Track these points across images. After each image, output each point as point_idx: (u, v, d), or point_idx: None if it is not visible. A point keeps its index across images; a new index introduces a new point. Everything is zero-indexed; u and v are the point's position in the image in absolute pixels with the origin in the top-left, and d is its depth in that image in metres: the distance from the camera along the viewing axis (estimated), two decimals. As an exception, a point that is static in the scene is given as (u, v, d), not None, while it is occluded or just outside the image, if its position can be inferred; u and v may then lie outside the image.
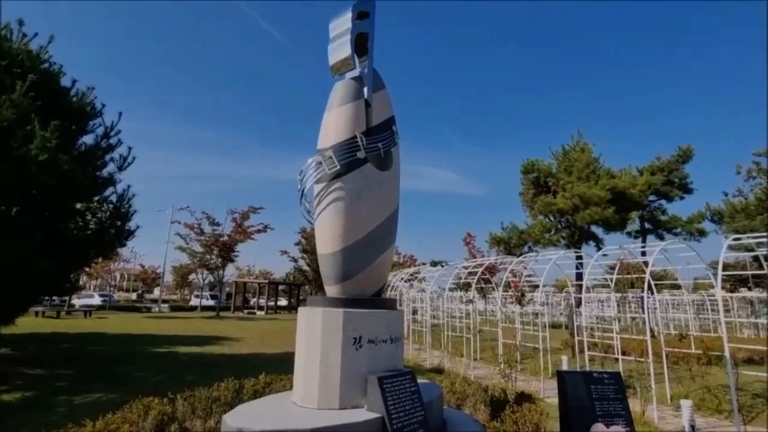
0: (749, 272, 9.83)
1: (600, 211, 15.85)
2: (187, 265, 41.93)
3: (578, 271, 16.66)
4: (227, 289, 48.36)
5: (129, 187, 10.70)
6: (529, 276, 12.70)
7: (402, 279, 19.13)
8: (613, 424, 4.82)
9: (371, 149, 4.01)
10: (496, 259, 15.33)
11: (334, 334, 3.53)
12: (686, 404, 6.58)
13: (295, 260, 31.73)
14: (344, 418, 3.23)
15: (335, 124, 4.03)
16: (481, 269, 12.28)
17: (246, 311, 34.65)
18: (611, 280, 11.06)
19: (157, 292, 57.89)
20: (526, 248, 17.78)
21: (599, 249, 18.83)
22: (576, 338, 10.74)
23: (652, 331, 16.55)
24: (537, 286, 13.32)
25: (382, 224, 4.07)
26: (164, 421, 3.87)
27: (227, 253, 26.55)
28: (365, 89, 4.24)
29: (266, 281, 42.56)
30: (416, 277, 16.97)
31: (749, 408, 8.07)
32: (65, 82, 9.92)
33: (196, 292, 43.26)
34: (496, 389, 5.54)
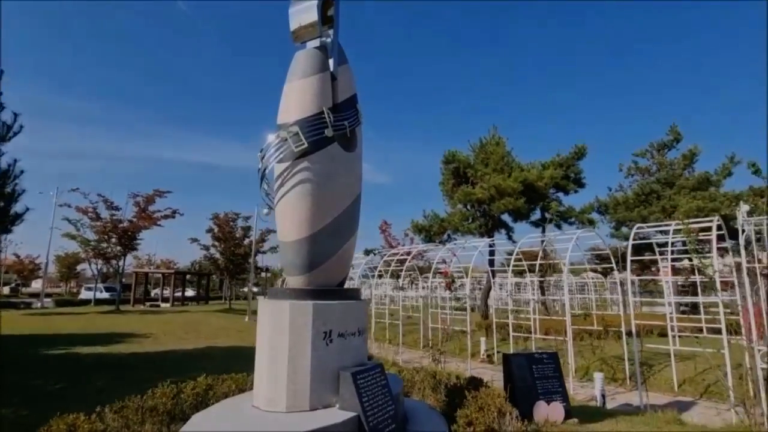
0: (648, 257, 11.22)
1: (513, 201, 17.01)
2: (76, 254, 36.79)
3: (491, 257, 17.91)
4: (122, 280, 43.65)
5: (15, 161, 8.94)
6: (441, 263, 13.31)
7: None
8: (552, 401, 5.20)
9: (338, 127, 3.72)
10: (426, 248, 15.72)
11: (303, 328, 3.24)
12: (599, 376, 7.36)
13: (207, 248, 29.44)
14: (318, 420, 2.97)
15: (299, 97, 3.66)
16: (409, 257, 12.50)
17: (148, 304, 31.53)
18: (527, 267, 11.98)
19: (36, 285, 50.03)
20: (445, 236, 18.52)
21: (509, 236, 20.38)
22: (494, 320, 11.45)
23: (547, 309, 18.45)
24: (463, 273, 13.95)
25: (347, 209, 3.82)
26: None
27: (129, 240, 23.66)
28: (330, 61, 3.91)
29: (171, 271, 39.15)
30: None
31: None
32: None
33: (87, 285, 38.30)
34: (443, 375, 5.64)
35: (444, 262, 11.72)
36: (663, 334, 13.92)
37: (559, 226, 23.13)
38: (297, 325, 3.24)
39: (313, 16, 3.74)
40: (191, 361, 9.19)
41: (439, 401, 5.05)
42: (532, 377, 5.19)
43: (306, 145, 3.48)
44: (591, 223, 22.46)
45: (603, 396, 7.04)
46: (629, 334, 9.41)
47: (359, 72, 4.43)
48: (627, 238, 22.34)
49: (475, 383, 4.67)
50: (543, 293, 19.74)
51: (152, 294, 40.64)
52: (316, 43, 3.93)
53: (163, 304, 32.18)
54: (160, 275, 41.69)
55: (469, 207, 18.35)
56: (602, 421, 5.43)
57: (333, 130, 3.64)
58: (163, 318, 19.56)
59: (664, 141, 22.38)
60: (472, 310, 14.01)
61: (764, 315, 5.92)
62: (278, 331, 3.25)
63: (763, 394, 5.26)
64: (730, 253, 7.13)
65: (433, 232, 18.18)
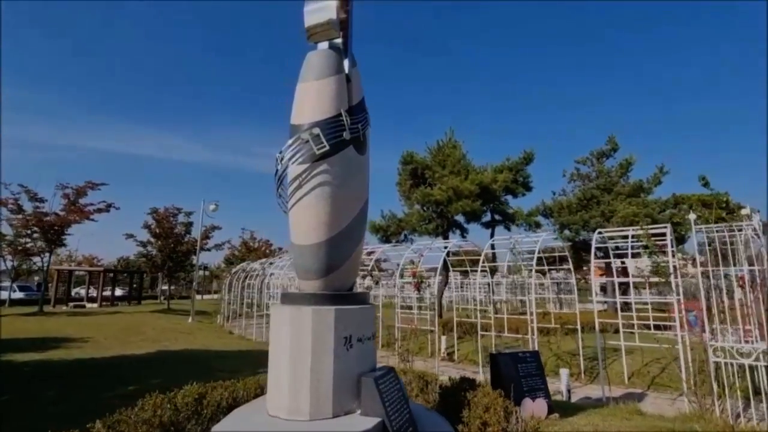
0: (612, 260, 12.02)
1: (470, 203, 17.62)
2: (-15, 249, 32.78)
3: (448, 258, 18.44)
4: (36, 278, 39.58)
5: None
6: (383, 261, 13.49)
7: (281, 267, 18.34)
8: (536, 397, 5.45)
9: (353, 130, 3.64)
10: (393, 248, 15.79)
11: (326, 334, 3.15)
12: (564, 372, 7.83)
13: (144, 244, 27.46)
14: (346, 428, 2.91)
15: (317, 98, 3.54)
16: (373, 257, 12.53)
17: (72, 304, 28.81)
18: (489, 268, 12.46)
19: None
20: (402, 236, 18.76)
21: (464, 237, 21.04)
22: (455, 319, 11.79)
23: (495, 308, 19.36)
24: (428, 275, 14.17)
25: (360, 212, 3.76)
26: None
27: (55, 236, 21.39)
28: (345, 62, 3.81)
29: (100, 269, 36.17)
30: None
31: (591, 369, 9.96)
32: None
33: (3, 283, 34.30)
34: (432, 377, 5.71)
35: (412, 262, 11.87)
36: (604, 330, 15.01)
37: (508, 228, 24.42)
38: (320, 331, 3.14)
39: (329, 14, 3.63)
40: (146, 368, 8.56)
41: (430, 402, 5.11)
42: (517, 375, 5.42)
43: (327, 147, 3.37)
44: (537, 225, 23.80)
45: (568, 390, 7.51)
46: (583, 330, 10.09)
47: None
48: (569, 240, 24.00)
49: (470, 383, 4.78)
50: (492, 293, 20.68)
51: (74, 293, 37.22)
52: (325, 44, 3.82)
53: (89, 305, 29.64)
54: (85, 273, 38.38)
55: (426, 208, 18.69)
56: (578, 415, 5.79)
57: (350, 133, 3.57)
58: (97, 320, 18.02)
59: (603, 150, 24.19)
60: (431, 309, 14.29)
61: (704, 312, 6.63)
62: (300, 338, 3.13)
63: (714, 385, 5.86)
64: (676, 256, 7.86)
65: (390, 232, 18.35)
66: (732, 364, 5.95)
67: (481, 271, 10.67)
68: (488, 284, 13.98)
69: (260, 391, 4.33)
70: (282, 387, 3.11)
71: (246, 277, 21.09)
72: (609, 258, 9.69)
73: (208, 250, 28.68)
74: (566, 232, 23.75)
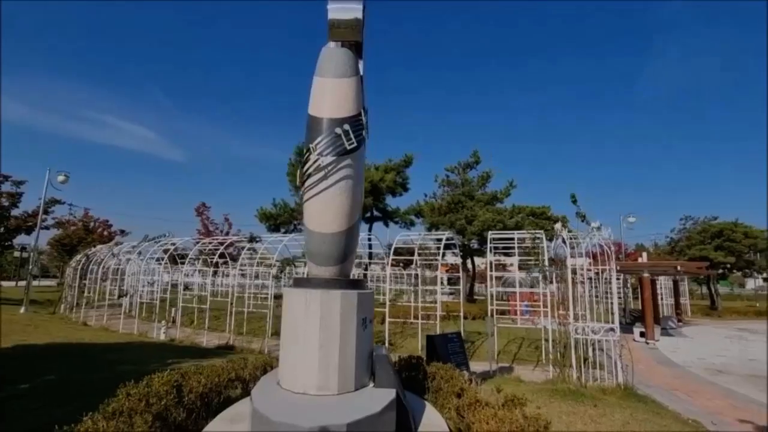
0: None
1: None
2: None
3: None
4: None
5: None
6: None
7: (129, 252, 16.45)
8: (462, 371, 6.45)
9: (367, 129, 3.98)
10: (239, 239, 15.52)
11: (351, 315, 3.48)
12: (460, 350, 9.14)
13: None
14: (376, 397, 3.30)
15: (344, 95, 3.76)
16: (222, 246, 12.32)
17: None
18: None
19: None
20: (292, 226, 18.61)
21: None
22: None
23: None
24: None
25: (362, 204, 4.12)
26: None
27: None
28: (360, 64, 4.10)
29: None
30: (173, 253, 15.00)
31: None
32: None
33: None
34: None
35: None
36: (475, 318, 17.43)
37: (386, 224, 26.18)
38: (346, 313, 3.44)
39: (356, 13, 3.87)
40: (20, 366, 7.10)
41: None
42: (447, 352, 6.33)
43: (355, 144, 3.66)
44: (412, 224, 25.98)
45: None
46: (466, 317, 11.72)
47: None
48: (439, 240, 26.59)
49: (418, 360, 5.48)
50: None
51: None
52: (339, 43, 4.03)
53: None
54: None
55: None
56: (482, 385, 6.99)
57: (366, 132, 3.91)
58: None
59: (468, 162, 27.60)
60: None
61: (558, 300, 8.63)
62: (330, 320, 3.37)
63: (573, 359, 7.69)
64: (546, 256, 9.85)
65: (280, 221, 18.06)
66: (586, 340, 7.89)
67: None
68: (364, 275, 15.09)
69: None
70: (311, 366, 3.31)
71: (90, 262, 18.32)
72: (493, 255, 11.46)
73: (48, 228, 23.85)
74: (434, 231, 26.55)
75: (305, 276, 4.49)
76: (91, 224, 35.91)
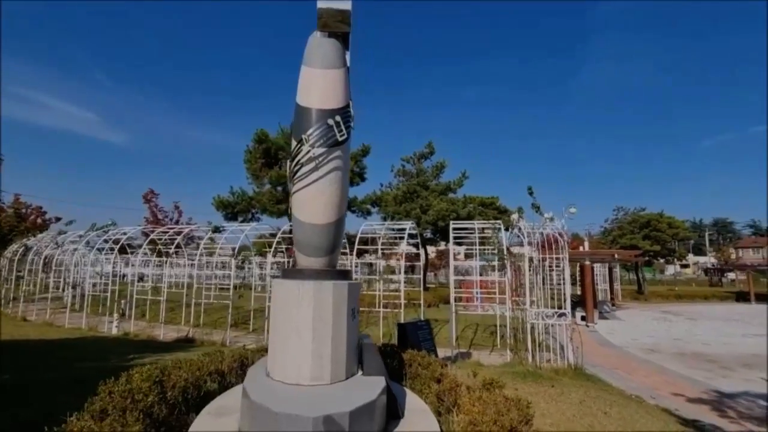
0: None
1: (320, 187, 18.28)
2: None
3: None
4: None
5: None
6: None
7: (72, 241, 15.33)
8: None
9: (353, 121, 3.99)
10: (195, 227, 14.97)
11: (342, 306, 3.52)
12: (423, 337, 9.42)
13: None
14: (369, 385, 3.37)
15: (332, 86, 3.72)
16: (181, 236, 11.92)
17: None
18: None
19: None
20: (250, 215, 18.04)
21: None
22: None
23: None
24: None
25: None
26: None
27: None
28: (347, 55, 4.07)
29: None
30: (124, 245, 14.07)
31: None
32: None
33: None
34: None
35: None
36: (432, 305, 17.87)
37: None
38: (338, 303, 3.48)
39: (347, 4, 3.84)
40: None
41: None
42: (418, 340, 6.53)
43: (346, 135, 3.66)
44: (368, 213, 26.08)
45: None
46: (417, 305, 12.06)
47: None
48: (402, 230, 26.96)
49: (392, 348, 5.62)
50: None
51: None
52: (326, 33, 3.98)
53: None
54: None
55: (278, 189, 18.47)
56: (452, 369, 7.29)
57: (353, 124, 3.92)
58: None
59: (423, 152, 28.07)
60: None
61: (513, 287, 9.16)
62: (322, 311, 3.39)
63: (529, 342, 8.20)
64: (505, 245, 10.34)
65: (238, 209, 17.47)
66: (539, 325, 8.43)
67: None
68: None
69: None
70: (305, 356, 3.33)
71: (30, 252, 16.86)
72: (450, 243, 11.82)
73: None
74: (389, 220, 26.87)
75: (292, 267, 4.45)
76: (23, 211, 32.83)
